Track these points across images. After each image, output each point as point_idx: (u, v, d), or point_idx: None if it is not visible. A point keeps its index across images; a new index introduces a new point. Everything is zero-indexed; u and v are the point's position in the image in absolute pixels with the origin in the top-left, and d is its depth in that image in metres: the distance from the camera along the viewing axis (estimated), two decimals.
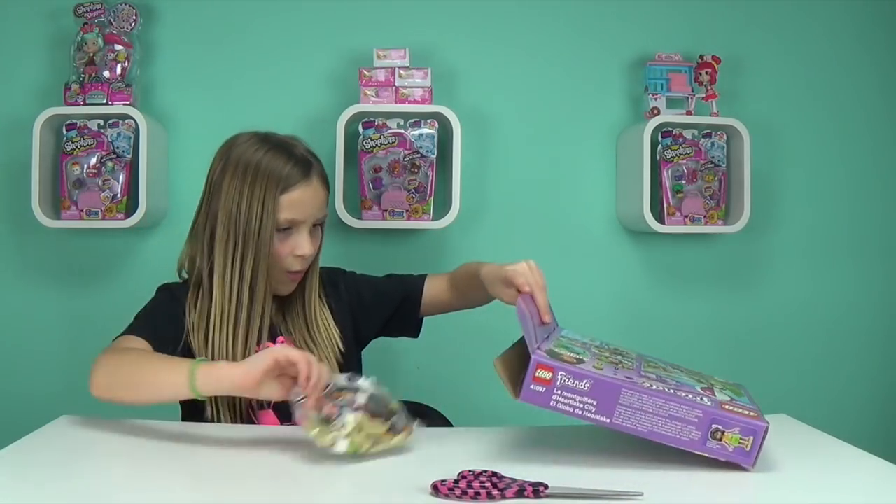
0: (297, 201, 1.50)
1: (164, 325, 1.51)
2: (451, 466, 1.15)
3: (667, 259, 2.40)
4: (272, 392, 1.25)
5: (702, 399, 1.19)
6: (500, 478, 1.10)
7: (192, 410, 1.48)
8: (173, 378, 1.28)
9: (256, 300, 1.50)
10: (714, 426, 1.15)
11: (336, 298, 1.66)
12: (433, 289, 1.70)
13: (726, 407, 1.19)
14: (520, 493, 1.06)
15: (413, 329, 1.74)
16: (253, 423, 1.48)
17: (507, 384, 1.20)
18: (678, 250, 2.39)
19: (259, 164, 1.50)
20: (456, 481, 1.08)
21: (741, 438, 1.14)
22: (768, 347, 2.42)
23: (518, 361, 1.23)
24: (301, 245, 1.52)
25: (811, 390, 2.40)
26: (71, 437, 1.35)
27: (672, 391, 1.19)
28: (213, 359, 1.47)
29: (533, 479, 1.09)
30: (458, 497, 1.04)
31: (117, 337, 1.48)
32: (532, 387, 1.16)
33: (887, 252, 2.45)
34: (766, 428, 1.15)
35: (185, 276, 1.62)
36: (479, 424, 1.46)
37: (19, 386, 2.26)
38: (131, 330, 1.49)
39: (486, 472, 1.12)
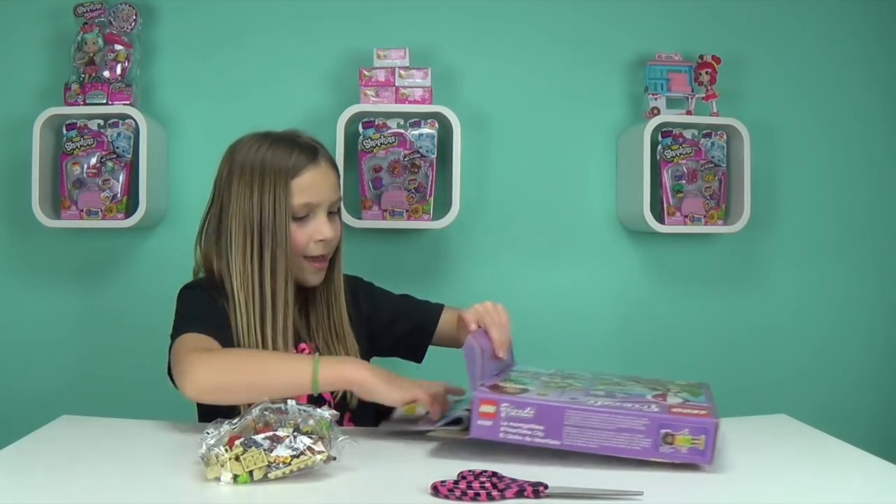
0: (309, 184, 1.50)
1: (218, 319, 1.48)
2: (451, 466, 1.15)
3: (667, 259, 2.40)
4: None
5: (649, 407, 1.20)
6: (500, 478, 1.10)
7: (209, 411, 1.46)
8: (298, 366, 1.33)
9: (279, 296, 1.48)
10: (663, 431, 1.15)
11: (355, 308, 1.64)
12: (447, 322, 1.68)
13: (674, 410, 1.19)
14: (520, 494, 1.06)
15: (419, 356, 1.73)
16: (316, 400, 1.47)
17: (455, 433, 1.26)
18: (678, 250, 2.39)
19: (265, 160, 1.50)
20: (456, 482, 1.08)
21: (693, 439, 1.15)
22: (768, 347, 2.42)
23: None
24: (321, 229, 1.51)
25: (811, 390, 2.39)
26: (71, 437, 1.35)
27: (618, 404, 1.20)
28: None
29: (533, 479, 1.09)
30: (458, 497, 1.04)
31: (176, 339, 1.42)
32: (479, 422, 1.19)
33: (887, 252, 2.45)
34: (717, 424, 1.15)
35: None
36: None
37: (19, 386, 2.26)
38: (190, 329, 1.43)
39: (486, 472, 1.12)
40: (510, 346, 1.47)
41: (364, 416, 1.56)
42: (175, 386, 1.38)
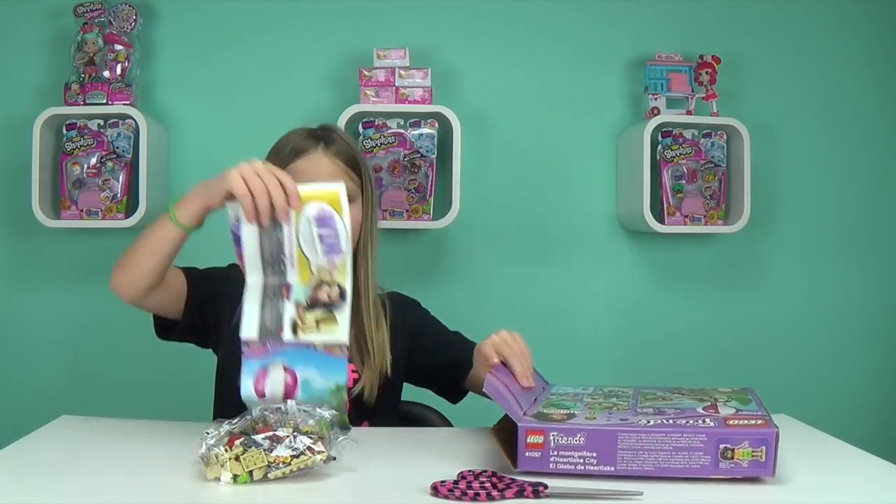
0: (299, 171, 1.49)
1: (211, 279, 1.53)
2: (451, 466, 1.14)
3: (667, 259, 2.40)
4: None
5: (704, 421, 1.15)
6: (500, 478, 1.10)
7: (228, 403, 1.45)
8: (158, 223, 1.34)
9: None
10: (722, 446, 1.10)
11: (401, 324, 1.63)
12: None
13: (731, 422, 1.14)
14: (520, 494, 1.06)
15: (453, 393, 1.68)
16: None
17: (504, 454, 1.19)
18: (678, 250, 2.39)
19: (278, 144, 1.57)
20: (456, 482, 1.08)
21: (753, 451, 1.10)
22: (768, 347, 2.42)
23: (512, 427, 1.20)
24: None
25: (811, 390, 2.39)
26: (71, 437, 1.35)
27: (671, 421, 1.15)
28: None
29: (533, 480, 1.08)
30: (458, 497, 1.04)
31: None
32: (527, 454, 1.13)
33: (887, 252, 2.45)
34: (777, 433, 1.11)
35: None
36: (479, 424, 1.46)
37: (19, 385, 2.27)
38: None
39: (486, 472, 1.12)
40: (535, 372, 1.42)
41: (385, 417, 1.56)
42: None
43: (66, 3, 2.21)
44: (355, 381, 1.55)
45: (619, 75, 2.38)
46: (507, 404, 1.20)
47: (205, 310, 1.51)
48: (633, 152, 2.27)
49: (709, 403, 1.26)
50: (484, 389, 1.24)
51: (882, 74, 2.44)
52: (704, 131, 2.30)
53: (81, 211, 2.16)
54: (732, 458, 1.11)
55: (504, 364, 1.37)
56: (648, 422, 1.15)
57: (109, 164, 2.17)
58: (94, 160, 2.17)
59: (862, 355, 2.45)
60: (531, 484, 1.07)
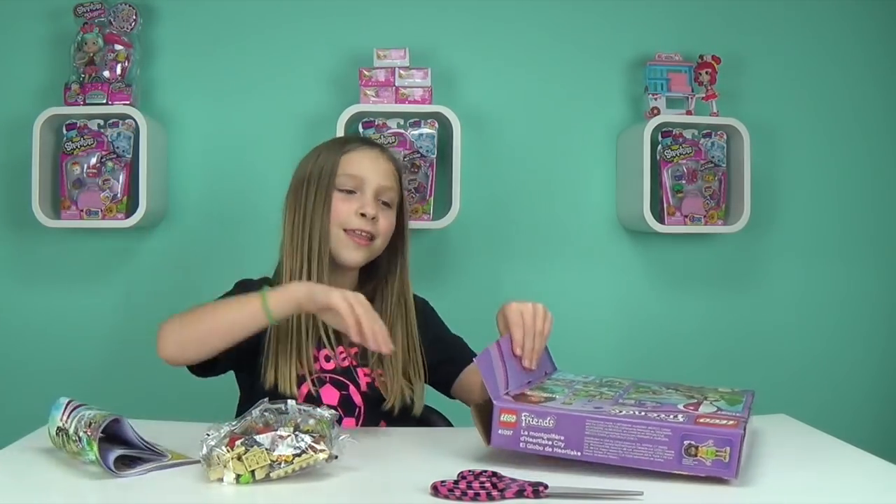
0: (357, 160, 1.57)
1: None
2: (451, 466, 1.15)
3: (667, 259, 2.40)
4: (333, 320, 1.35)
5: (675, 417, 1.16)
6: (500, 478, 1.10)
7: (251, 395, 1.45)
8: (247, 309, 1.34)
9: (314, 257, 1.53)
10: (686, 443, 1.11)
11: (422, 326, 1.65)
12: (473, 373, 1.60)
13: (701, 420, 1.14)
14: (520, 494, 1.06)
15: (447, 388, 1.67)
16: (315, 399, 1.48)
17: (480, 432, 1.22)
18: (678, 250, 2.39)
19: (326, 143, 1.64)
20: (456, 482, 1.08)
21: (717, 451, 1.10)
22: (768, 347, 2.42)
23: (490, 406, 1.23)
24: (365, 205, 1.55)
25: (811, 390, 2.40)
26: None
27: (643, 414, 1.16)
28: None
29: (533, 479, 1.09)
30: (458, 497, 1.04)
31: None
32: (500, 431, 1.17)
33: (887, 252, 2.45)
34: (743, 436, 1.11)
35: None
36: None
37: (19, 386, 2.27)
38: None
39: (486, 472, 1.12)
40: (545, 355, 1.41)
41: (403, 418, 1.57)
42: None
43: (66, 3, 2.21)
44: (368, 385, 1.55)
45: (619, 75, 2.38)
46: (490, 381, 1.22)
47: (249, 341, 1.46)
48: (633, 152, 2.27)
49: (694, 401, 1.26)
50: (475, 360, 1.25)
51: (882, 74, 2.44)
52: (704, 131, 2.30)
53: (81, 211, 2.16)
54: (696, 455, 1.11)
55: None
56: (620, 411, 1.17)
57: (109, 164, 2.17)
58: (94, 160, 2.17)
59: (862, 355, 2.45)
60: (531, 484, 1.07)
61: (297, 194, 1.57)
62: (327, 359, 1.54)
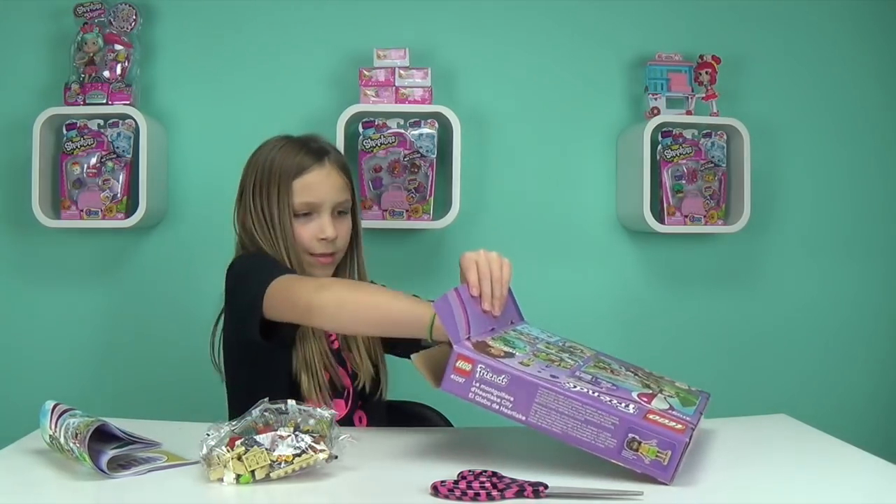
0: (310, 184, 1.57)
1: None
2: (451, 466, 1.15)
3: (667, 259, 2.40)
4: None
5: (626, 406, 1.14)
6: (500, 478, 1.10)
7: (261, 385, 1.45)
8: (414, 319, 1.28)
9: (297, 265, 1.56)
10: (631, 435, 1.10)
11: None
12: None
13: (650, 417, 1.12)
14: (520, 494, 1.06)
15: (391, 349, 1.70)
16: (328, 404, 1.50)
17: (428, 376, 1.21)
18: (678, 250, 2.39)
19: (273, 162, 1.59)
20: (456, 482, 1.08)
21: (658, 451, 1.09)
22: (768, 347, 2.42)
23: (442, 355, 1.21)
24: (323, 228, 1.57)
25: (811, 390, 2.39)
26: None
27: (596, 395, 1.15)
28: None
29: (533, 479, 1.09)
30: (458, 498, 1.04)
31: (270, 284, 1.40)
32: (452, 377, 1.16)
33: (888, 251, 2.45)
34: (687, 443, 1.09)
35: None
36: (479, 424, 1.46)
37: (19, 386, 2.26)
38: (277, 276, 1.43)
39: (486, 472, 1.12)
40: (510, 303, 1.40)
41: (378, 406, 1.61)
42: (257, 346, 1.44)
43: (66, 3, 2.20)
44: (352, 376, 1.60)
45: (619, 75, 2.37)
46: (450, 325, 1.20)
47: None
48: (633, 152, 2.27)
49: (650, 392, 1.24)
50: (433, 303, 1.22)
51: (883, 74, 2.44)
52: (704, 131, 2.30)
53: (81, 211, 2.16)
54: (637, 450, 1.11)
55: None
56: (574, 386, 1.16)
57: (109, 164, 2.17)
58: (94, 160, 2.17)
59: (862, 355, 2.45)
60: (531, 484, 1.07)
61: (260, 218, 1.56)
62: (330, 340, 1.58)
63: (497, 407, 1.15)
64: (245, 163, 1.65)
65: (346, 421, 1.54)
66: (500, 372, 1.15)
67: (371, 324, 1.37)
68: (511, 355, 1.21)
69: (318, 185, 1.58)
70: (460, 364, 1.16)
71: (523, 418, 1.14)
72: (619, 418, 1.11)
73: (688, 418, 1.17)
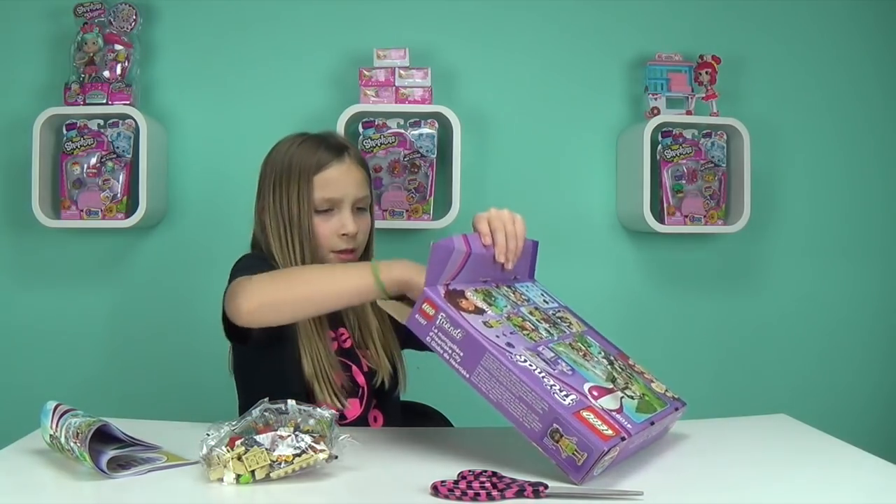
0: (331, 180, 1.56)
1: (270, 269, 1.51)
2: (451, 466, 1.15)
3: (667, 259, 2.40)
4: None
5: (566, 395, 1.13)
6: (500, 478, 1.10)
7: (268, 382, 1.45)
8: (356, 281, 1.30)
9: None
10: (555, 426, 1.10)
11: None
12: None
13: (583, 414, 1.11)
14: (520, 494, 1.06)
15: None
16: (342, 405, 1.49)
17: (394, 313, 1.25)
18: (678, 250, 2.39)
19: (292, 159, 1.58)
20: (456, 482, 1.08)
21: (576, 450, 1.09)
22: (768, 347, 2.42)
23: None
24: (344, 223, 1.56)
25: (811, 390, 2.40)
26: None
27: (542, 375, 1.14)
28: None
29: (533, 479, 1.09)
30: (458, 497, 1.04)
31: (234, 281, 1.38)
32: (416, 316, 1.19)
33: (887, 251, 2.45)
34: (604, 451, 1.08)
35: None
36: (479, 424, 1.46)
37: (19, 386, 2.26)
38: (237, 277, 1.40)
39: (486, 472, 1.12)
40: (522, 259, 1.39)
41: (393, 403, 1.60)
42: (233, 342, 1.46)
43: (66, 3, 2.21)
44: (368, 365, 1.58)
45: (619, 75, 2.38)
46: (435, 267, 1.22)
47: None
48: (633, 152, 2.27)
49: (609, 386, 1.23)
50: (431, 244, 1.24)
51: (883, 74, 2.44)
52: (704, 131, 2.30)
53: (81, 211, 2.16)
54: (557, 441, 1.11)
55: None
56: (524, 361, 1.16)
57: (109, 164, 2.17)
58: (94, 160, 2.17)
59: (862, 355, 2.45)
60: (531, 484, 1.07)
61: (280, 217, 1.55)
62: (331, 340, 1.56)
63: (447, 357, 1.17)
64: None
65: (361, 421, 1.54)
66: (457, 325, 1.17)
67: (307, 307, 1.35)
68: (481, 312, 1.22)
69: (338, 180, 1.56)
70: (425, 307, 1.19)
71: (467, 376, 1.16)
72: (549, 406, 1.11)
73: (629, 426, 1.15)
